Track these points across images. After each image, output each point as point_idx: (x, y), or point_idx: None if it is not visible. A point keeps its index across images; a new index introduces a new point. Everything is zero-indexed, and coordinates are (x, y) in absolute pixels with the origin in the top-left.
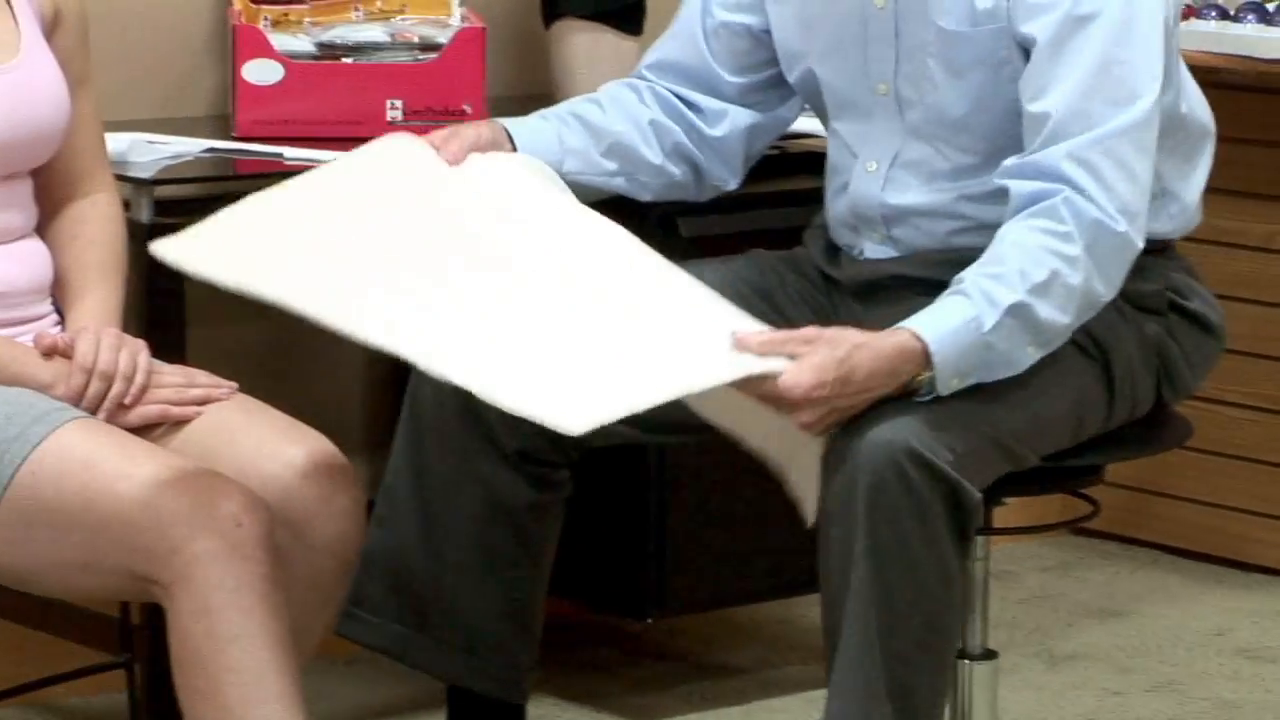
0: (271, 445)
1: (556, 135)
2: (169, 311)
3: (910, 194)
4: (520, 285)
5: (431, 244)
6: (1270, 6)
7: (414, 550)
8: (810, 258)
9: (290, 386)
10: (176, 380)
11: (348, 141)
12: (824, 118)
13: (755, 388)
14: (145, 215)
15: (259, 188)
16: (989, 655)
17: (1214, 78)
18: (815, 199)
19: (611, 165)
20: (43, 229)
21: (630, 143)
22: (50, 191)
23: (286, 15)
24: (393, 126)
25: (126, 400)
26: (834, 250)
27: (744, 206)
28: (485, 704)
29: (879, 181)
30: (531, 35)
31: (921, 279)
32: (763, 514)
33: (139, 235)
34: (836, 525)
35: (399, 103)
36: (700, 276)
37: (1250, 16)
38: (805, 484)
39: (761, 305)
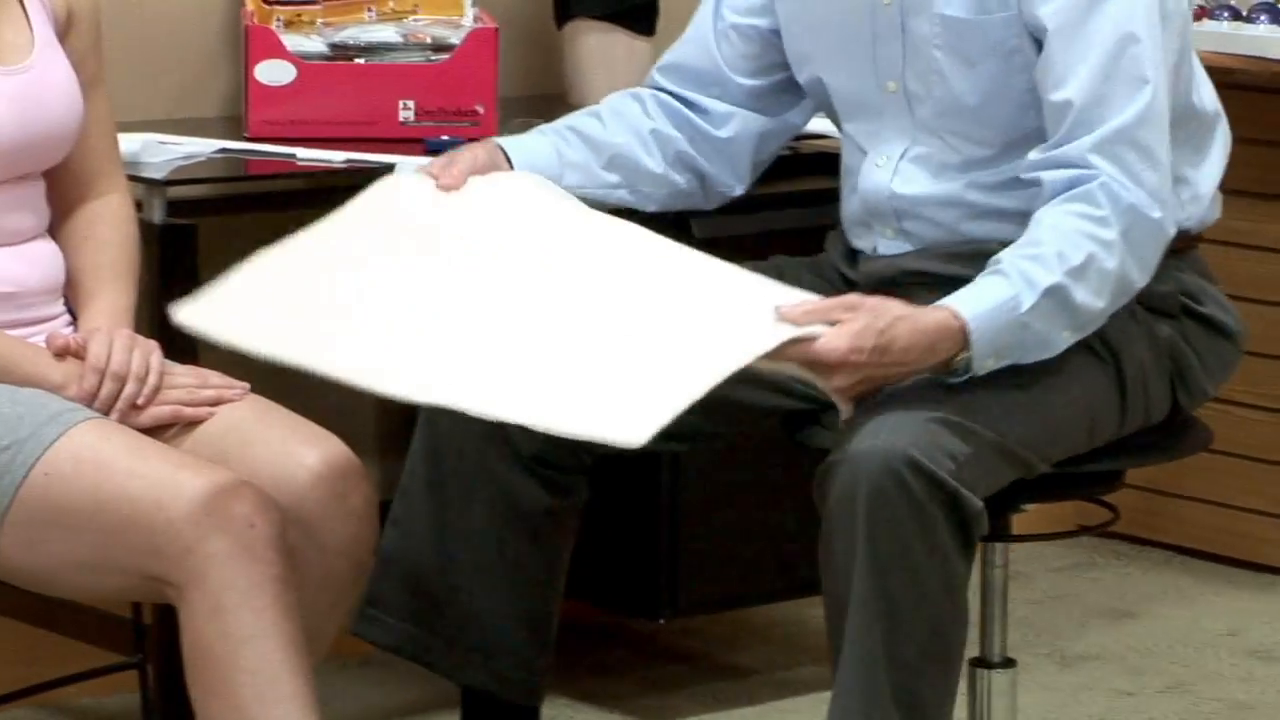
0: (284, 446)
1: (554, 150)
2: None
3: (918, 184)
4: (544, 302)
5: (446, 280)
6: None
7: (430, 552)
8: (831, 261)
9: (302, 387)
10: (189, 381)
11: (360, 142)
12: (836, 121)
13: (792, 352)
14: (158, 216)
15: (271, 188)
16: (1008, 664)
17: (1227, 79)
18: (828, 199)
19: (613, 178)
20: (55, 230)
21: (631, 154)
22: (63, 192)
23: (299, 16)
24: (405, 127)
25: (139, 401)
26: (853, 254)
27: (757, 207)
28: (499, 706)
29: (887, 174)
30: (544, 36)
31: (936, 274)
32: (775, 515)
33: (151, 236)
34: (837, 534)
35: (411, 103)
36: None
37: (1263, 17)
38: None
39: None
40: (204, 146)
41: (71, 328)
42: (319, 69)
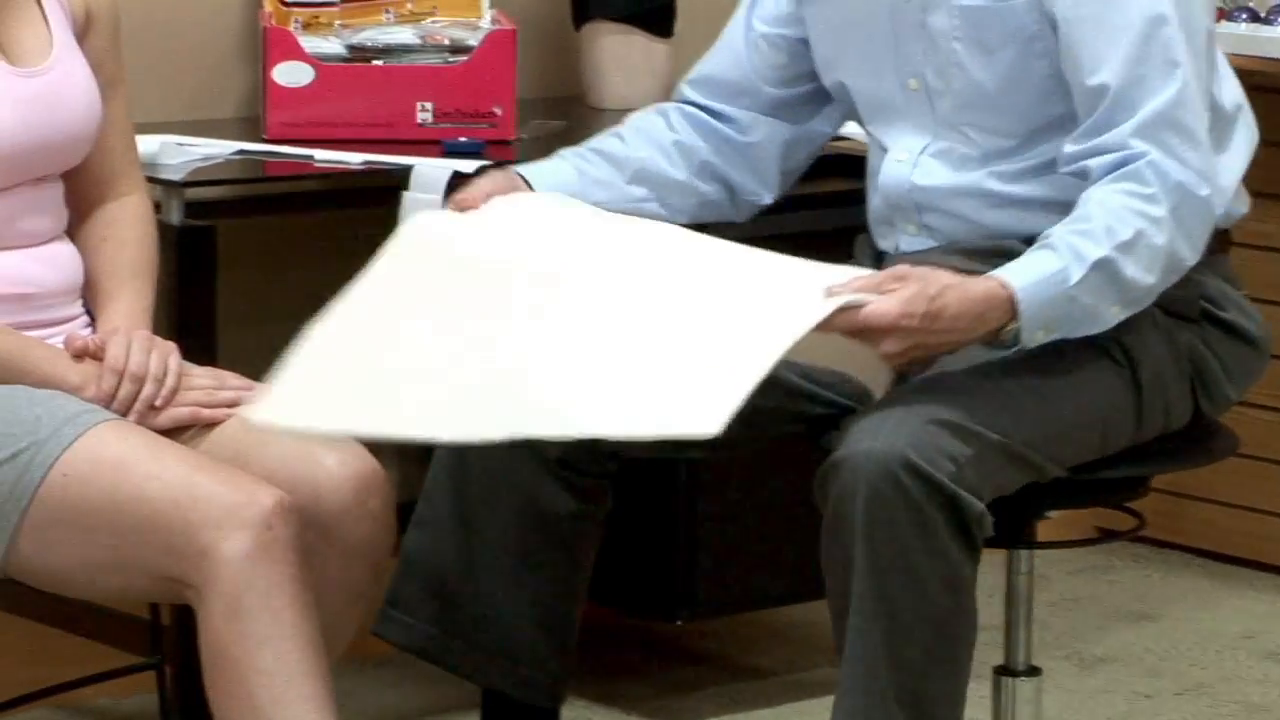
0: (302, 448)
1: (576, 171)
2: (199, 313)
3: (938, 176)
4: (594, 310)
5: (497, 308)
6: None
7: (452, 554)
8: (859, 264)
9: None
10: (207, 382)
11: (378, 144)
12: (861, 123)
13: (841, 320)
14: (176, 217)
15: (289, 190)
16: (1033, 672)
17: (1246, 80)
18: (853, 200)
19: (640, 191)
20: (74, 231)
21: (655, 166)
22: (81, 193)
23: (317, 18)
24: (423, 129)
25: (157, 402)
26: (879, 256)
27: (780, 209)
28: (519, 708)
29: (908, 168)
30: (562, 37)
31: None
32: (791, 517)
33: (169, 237)
34: (837, 535)
35: (429, 105)
36: None
37: None
38: (873, 381)
39: None
40: (222, 148)
41: (90, 329)
42: (337, 71)
